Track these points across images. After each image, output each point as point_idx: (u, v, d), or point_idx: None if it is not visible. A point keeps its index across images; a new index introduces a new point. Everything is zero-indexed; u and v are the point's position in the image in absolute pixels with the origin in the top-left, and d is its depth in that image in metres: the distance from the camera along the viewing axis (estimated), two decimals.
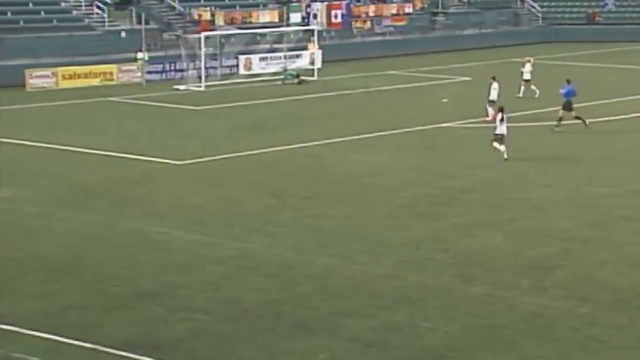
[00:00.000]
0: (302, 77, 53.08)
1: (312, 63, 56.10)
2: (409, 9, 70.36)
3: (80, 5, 58.05)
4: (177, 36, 57.83)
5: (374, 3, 69.39)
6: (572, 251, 22.70)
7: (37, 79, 50.43)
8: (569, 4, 79.63)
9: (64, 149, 34.49)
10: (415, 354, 16.93)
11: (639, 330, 18.03)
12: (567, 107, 37.41)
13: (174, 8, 61.56)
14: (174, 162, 32.33)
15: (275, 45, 58.35)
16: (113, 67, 52.61)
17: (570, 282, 20.55)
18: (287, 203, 27.13)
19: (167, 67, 54.03)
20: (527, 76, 46.51)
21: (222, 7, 62.48)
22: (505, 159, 31.86)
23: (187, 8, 61.44)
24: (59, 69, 51.11)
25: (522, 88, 46.08)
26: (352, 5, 66.94)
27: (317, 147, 35.07)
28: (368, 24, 67.99)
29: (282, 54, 56.66)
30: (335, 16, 64.70)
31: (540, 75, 48.30)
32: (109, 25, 57.70)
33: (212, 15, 61.12)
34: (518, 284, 20.31)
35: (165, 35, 58.93)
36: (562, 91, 37.72)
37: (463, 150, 33.95)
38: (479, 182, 29.55)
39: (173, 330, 17.83)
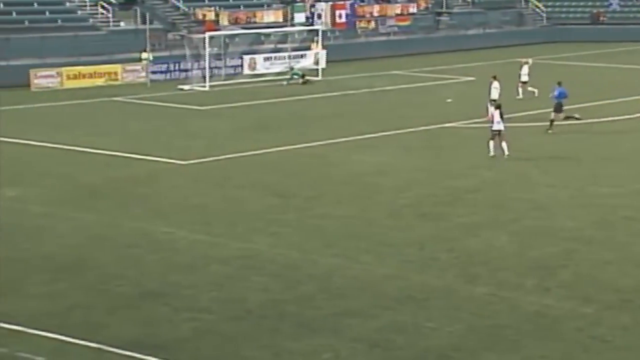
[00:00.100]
0: (307, 77, 53.12)
1: (317, 63, 56.15)
2: (413, 9, 70.42)
3: (85, 5, 58.14)
4: (182, 36, 57.89)
5: (378, 3, 69.41)
6: (576, 251, 22.71)
7: (42, 79, 50.52)
8: (574, 3, 79.60)
9: (69, 149, 34.55)
10: (419, 354, 16.96)
11: None
12: (558, 109, 37.45)
13: (178, 8, 61.63)
14: (178, 162, 32.37)
15: (280, 45, 58.41)
16: (118, 67, 52.70)
17: (574, 282, 20.56)
18: (291, 203, 27.16)
19: (172, 67, 54.11)
20: (524, 78, 46.45)
21: (226, 7, 62.57)
22: (507, 156, 31.89)
23: (192, 8, 61.52)
24: (63, 69, 51.20)
25: (520, 90, 46.00)
26: (356, 5, 66.98)
27: (321, 147, 35.09)
28: (372, 24, 68.04)
29: (286, 54, 56.71)
30: (340, 16, 64.75)
31: (544, 75, 48.28)
32: (114, 25, 57.79)
33: (217, 15, 61.20)
34: (522, 284, 20.32)
35: (170, 35, 59.01)
36: (555, 93, 37.67)
37: (467, 150, 33.95)
38: (483, 182, 29.57)
39: (177, 330, 17.87)
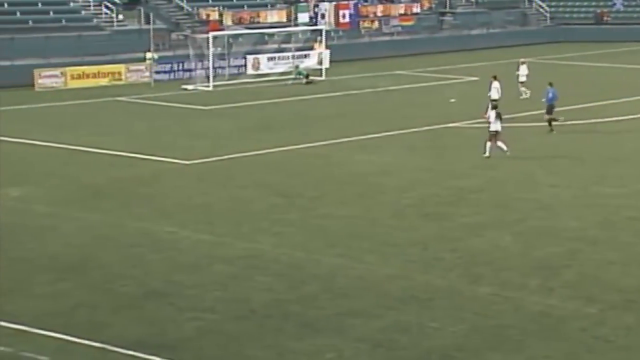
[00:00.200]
0: (311, 77, 53.14)
1: (320, 63, 56.16)
2: (416, 8, 70.36)
3: (89, 5, 58.16)
4: (185, 36, 57.91)
5: (381, 3, 69.39)
6: (579, 251, 22.71)
7: (46, 79, 50.56)
8: (577, 3, 79.53)
9: (73, 149, 34.58)
10: (423, 354, 16.97)
11: None
12: (550, 110, 37.43)
13: (182, 8, 61.65)
14: (182, 161, 32.40)
15: (283, 45, 58.42)
16: (121, 67, 52.73)
17: (578, 282, 20.56)
18: (295, 203, 27.18)
19: (175, 67, 54.13)
20: (522, 78, 46.37)
21: (230, 7, 62.57)
22: (507, 152, 31.90)
23: (195, 8, 61.53)
24: (67, 68, 51.25)
25: (524, 89, 45.90)
26: (360, 5, 66.95)
27: (324, 147, 35.11)
28: (376, 24, 68.02)
29: (290, 54, 56.73)
30: (343, 16, 64.70)
31: (547, 75, 48.24)
32: (118, 25, 57.82)
33: (220, 15, 61.19)
34: (526, 284, 20.33)
35: (174, 35, 59.04)
36: (549, 95, 37.59)
37: (470, 150, 33.94)
38: (487, 182, 29.58)
39: (181, 330, 17.90)
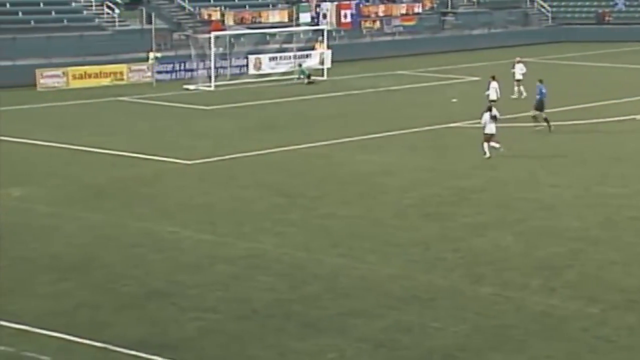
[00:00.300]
0: (313, 77, 53.17)
1: (322, 63, 56.19)
2: (418, 8, 70.38)
3: (91, 5, 58.21)
4: (187, 36, 57.94)
5: (383, 3, 69.41)
6: (581, 251, 22.72)
7: (48, 79, 50.60)
8: (579, 3, 79.53)
9: (75, 149, 34.61)
10: (425, 354, 16.97)
11: None
12: (540, 107, 37.42)
13: (184, 8, 61.67)
14: (183, 161, 32.41)
15: (285, 45, 58.44)
16: (123, 67, 52.76)
17: (580, 282, 20.57)
18: (296, 203, 27.19)
19: (177, 66, 54.15)
20: (519, 77, 46.24)
21: (231, 7, 62.59)
22: (501, 149, 31.88)
23: (197, 8, 61.55)
24: (69, 68, 51.28)
25: (522, 88, 45.68)
26: (361, 5, 66.98)
27: (326, 147, 35.12)
28: (377, 24, 68.04)
29: (291, 54, 56.74)
30: (345, 16, 64.71)
31: (548, 75, 48.21)
32: (120, 25, 57.86)
33: (222, 15, 61.21)
34: (527, 284, 20.33)
35: (175, 35, 59.07)
36: (543, 92, 37.56)
37: (472, 150, 33.92)
38: (488, 182, 29.58)
39: (183, 330, 17.91)
